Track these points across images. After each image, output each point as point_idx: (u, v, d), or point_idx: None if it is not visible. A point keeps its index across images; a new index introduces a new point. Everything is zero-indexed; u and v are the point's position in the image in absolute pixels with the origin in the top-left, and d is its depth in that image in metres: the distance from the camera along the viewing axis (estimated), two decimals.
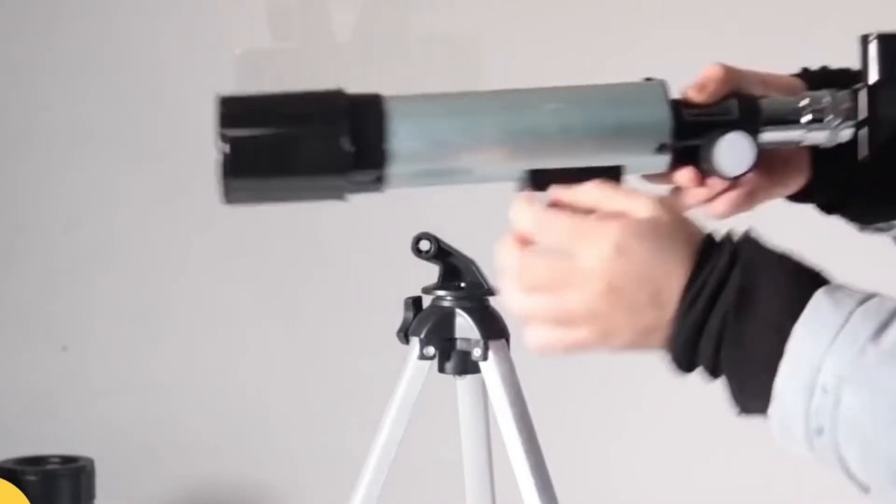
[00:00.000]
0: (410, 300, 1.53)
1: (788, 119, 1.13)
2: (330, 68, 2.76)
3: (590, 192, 1.07)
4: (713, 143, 1.11)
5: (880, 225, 1.24)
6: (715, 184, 1.14)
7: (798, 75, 1.21)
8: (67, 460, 2.70)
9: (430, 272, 1.52)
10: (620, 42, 2.69)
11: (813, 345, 0.95)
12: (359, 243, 2.83)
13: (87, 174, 2.98)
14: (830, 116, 1.13)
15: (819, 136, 1.14)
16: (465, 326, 1.50)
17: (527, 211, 1.06)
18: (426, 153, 1.08)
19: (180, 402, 2.96)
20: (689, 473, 2.68)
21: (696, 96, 1.12)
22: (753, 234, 1.02)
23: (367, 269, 2.80)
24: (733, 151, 1.11)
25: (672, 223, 1.03)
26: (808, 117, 1.13)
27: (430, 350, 1.50)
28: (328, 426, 2.90)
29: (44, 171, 2.99)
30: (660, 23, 2.73)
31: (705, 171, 1.12)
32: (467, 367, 1.52)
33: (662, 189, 1.16)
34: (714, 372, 1.01)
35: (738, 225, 1.03)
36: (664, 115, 1.11)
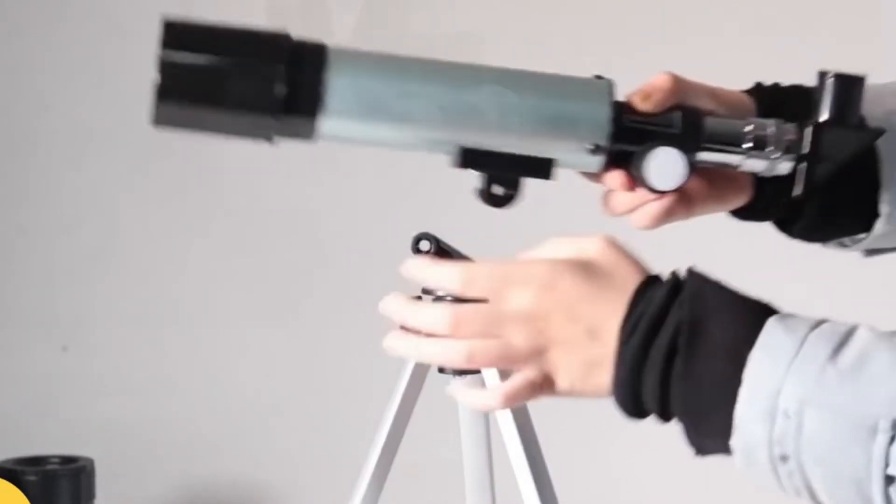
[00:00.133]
0: None
1: (729, 142, 1.12)
2: None
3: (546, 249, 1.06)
4: (646, 153, 1.10)
5: (843, 240, 1.24)
6: (645, 193, 1.13)
7: (751, 90, 1.20)
8: (67, 460, 2.70)
9: None
10: (620, 42, 2.69)
11: (771, 370, 0.93)
12: (359, 243, 2.83)
13: (88, 174, 2.98)
14: (772, 147, 1.12)
15: (757, 165, 1.13)
16: None
17: (449, 269, 1.05)
18: (358, 111, 1.08)
19: (180, 402, 2.96)
20: (689, 474, 2.68)
21: (640, 104, 1.11)
22: (698, 270, 1.00)
23: (367, 270, 2.80)
24: (664, 166, 1.09)
25: (610, 263, 1.02)
26: (750, 144, 1.12)
27: None
28: (328, 426, 2.90)
29: (44, 171, 2.99)
30: (660, 23, 2.73)
31: (636, 179, 1.12)
32: None
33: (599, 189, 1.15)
34: (663, 411, 0.99)
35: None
36: (604, 116, 1.10)
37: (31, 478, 2.63)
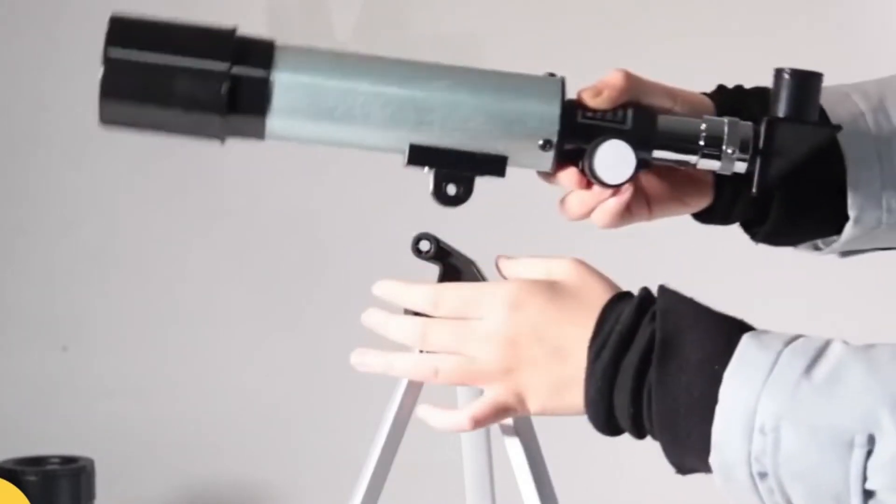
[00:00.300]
0: None
1: (683, 139, 1.12)
2: None
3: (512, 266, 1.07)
4: (595, 148, 1.09)
5: (816, 243, 1.23)
6: (600, 193, 1.13)
7: (712, 92, 1.19)
8: (67, 460, 2.70)
9: (431, 272, 1.52)
10: (621, 42, 2.69)
11: (746, 387, 0.93)
12: (359, 243, 2.82)
13: (88, 174, 2.97)
14: (726, 145, 1.11)
15: (712, 163, 1.12)
16: None
17: (419, 290, 1.06)
18: (305, 110, 1.07)
19: (180, 402, 2.96)
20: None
21: (590, 100, 1.11)
22: (669, 286, 1.00)
23: (368, 270, 2.79)
24: (613, 159, 1.09)
25: (577, 283, 1.02)
26: (703, 142, 1.12)
27: None
28: (328, 426, 2.90)
29: (44, 171, 2.99)
30: (661, 23, 2.73)
31: (588, 176, 1.11)
32: None
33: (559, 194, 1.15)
34: (637, 427, 0.99)
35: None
36: (553, 112, 1.10)
37: (31, 478, 2.63)
